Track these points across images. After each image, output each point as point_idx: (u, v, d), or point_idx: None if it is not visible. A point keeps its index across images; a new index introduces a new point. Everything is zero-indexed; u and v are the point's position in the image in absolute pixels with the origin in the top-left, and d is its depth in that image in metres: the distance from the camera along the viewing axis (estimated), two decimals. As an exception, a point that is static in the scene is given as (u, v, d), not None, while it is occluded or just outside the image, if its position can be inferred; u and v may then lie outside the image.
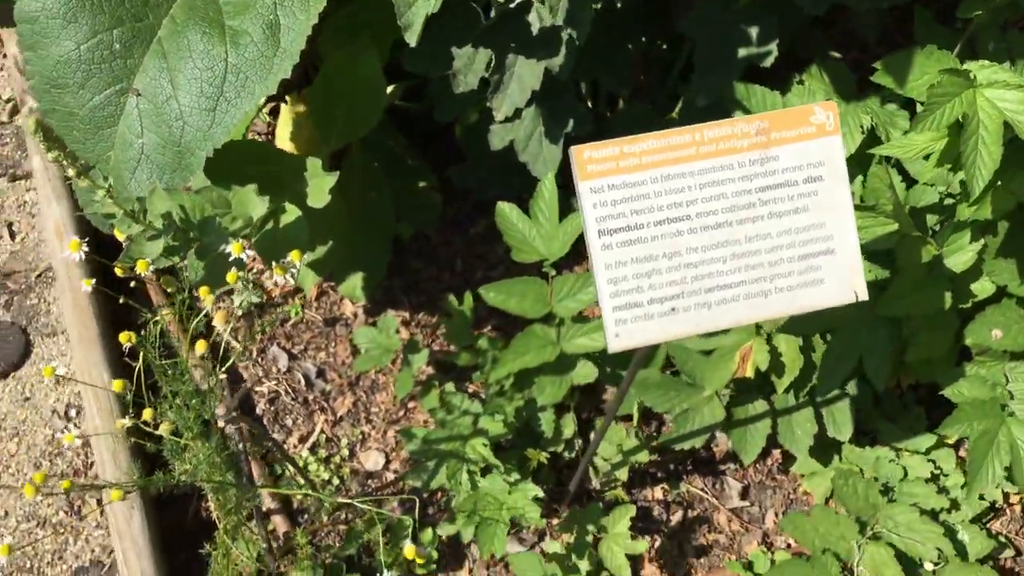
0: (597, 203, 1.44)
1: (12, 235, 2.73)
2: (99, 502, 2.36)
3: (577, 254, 2.36)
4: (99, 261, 2.32)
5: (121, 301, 1.62)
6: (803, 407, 2.15)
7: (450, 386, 2.23)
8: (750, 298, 1.50)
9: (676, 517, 2.27)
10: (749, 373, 2.00)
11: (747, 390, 2.16)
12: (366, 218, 2.38)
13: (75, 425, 2.45)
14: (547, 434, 2.12)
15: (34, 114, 1.80)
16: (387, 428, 2.34)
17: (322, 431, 2.31)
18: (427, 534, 2.12)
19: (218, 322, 1.49)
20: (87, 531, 2.33)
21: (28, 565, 2.28)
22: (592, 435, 2.20)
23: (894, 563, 1.91)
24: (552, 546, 2.06)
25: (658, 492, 2.28)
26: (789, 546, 2.23)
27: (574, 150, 1.42)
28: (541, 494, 1.96)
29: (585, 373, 2.05)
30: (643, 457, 2.13)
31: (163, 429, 1.59)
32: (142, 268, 1.53)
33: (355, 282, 2.42)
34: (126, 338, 1.50)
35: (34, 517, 2.34)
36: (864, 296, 1.53)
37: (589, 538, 2.03)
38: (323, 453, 2.28)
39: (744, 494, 2.32)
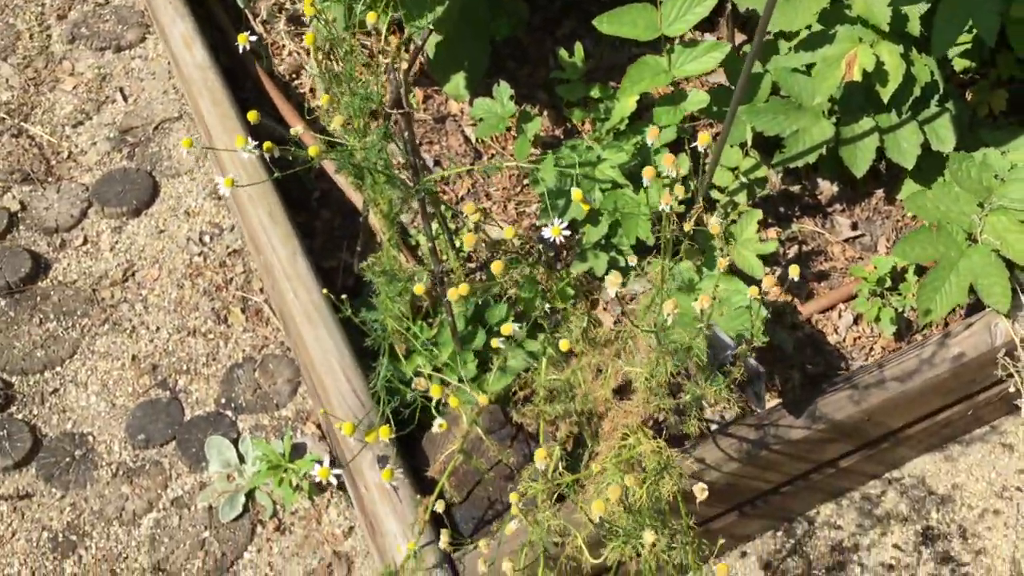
0: None
1: (125, 98, 2.89)
2: (243, 310, 2.49)
3: None
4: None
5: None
6: (907, 123, 2.24)
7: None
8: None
9: (792, 252, 2.37)
10: (857, 76, 2.09)
11: (852, 111, 2.25)
12: (463, 20, 2.50)
13: (210, 249, 2.59)
14: (664, 170, 2.22)
15: None
16: (507, 203, 2.46)
17: (445, 212, 2.43)
18: (563, 274, 2.23)
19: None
20: (235, 335, 2.47)
21: (185, 367, 2.42)
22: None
23: (1017, 227, 1.99)
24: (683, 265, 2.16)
25: (771, 233, 2.37)
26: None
27: None
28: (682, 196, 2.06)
29: (698, 100, 2.15)
30: (761, 172, 2.22)
31: (335, 122, 1.71)
32: None
33: (458, 81, 2.54)
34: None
35: (184, 328, 2.48)
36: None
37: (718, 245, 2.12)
38: (451, 226, 2.40)
39: (854, 227, 2.41)
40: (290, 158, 1.60)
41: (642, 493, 1.24)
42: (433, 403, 1.61)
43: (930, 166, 2.31)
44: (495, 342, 1.52)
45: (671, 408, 1.53)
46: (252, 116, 1.61)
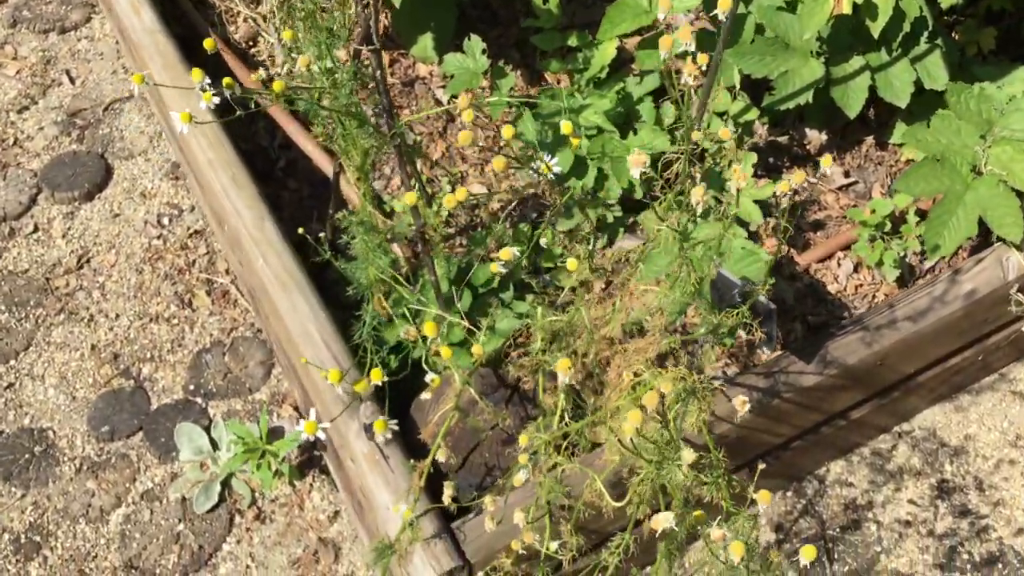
0: None
1: (72, 80, 2.73)
2: (208, 293, 2.35)
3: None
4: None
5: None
6: (898, 60, 2.14)
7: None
8: None
9: (784, 202, 2.27)
10: (846, 9, 1.98)
11: (840, 50, 2.15)
12: (429, -19, 2.39)
13: (170, 231, 2.44)
14: (648, 120, 2.11)
15: None
16: (483, 165, 2.33)
17: (420, 172, 2.30)
18: (547, 234, 2.11)
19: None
20: (201, 319, 2.32)
21: (149, 355, 2.27)
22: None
23: (1023, 157, 1.90)
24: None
25: (761, 183, 2.27)
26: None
27: None
28: (669, 142, 1.95)
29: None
30: (752, 115, 2.12)
31: (301, 62, 1.58)
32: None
33: (426, 43, 2.41)
34: None
35: (145, 315, 2.33)
36: None
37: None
38: (428, 190, 2.27)
39: (846, 175, 2.31)
40: (253, 104, 1.46)
41: (673, 414, 1.12)
42: (424, 359, 1.48)
43: (921, 108, 2.22)
44: (494, 267, 1.40)
45: (679, 347, 1.41)
46: (196, 74, 1.44)
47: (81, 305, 2.34)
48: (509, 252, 1.34)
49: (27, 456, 2.12)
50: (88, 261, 2.41)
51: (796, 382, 1.75)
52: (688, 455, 1.10)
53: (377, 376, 1.34)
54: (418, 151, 2.04)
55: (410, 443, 1.73)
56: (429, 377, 1.44)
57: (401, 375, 1.73)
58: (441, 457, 1.42)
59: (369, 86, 1.70)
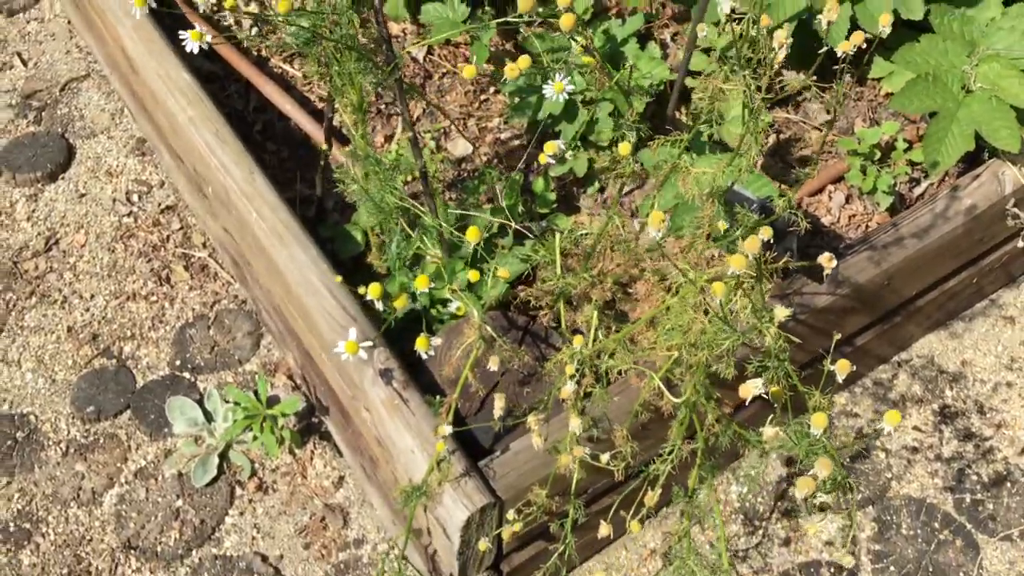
0: None
1: (24, 62, 2.63)
2: (186, 267, 2.27)
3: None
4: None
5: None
6: (876, -10, 2.16)
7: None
8: None
9: (770, 141, 2.27)
10: (825, -63, 2.00)
11: (820, -14, 2.16)
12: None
13: (140, 208, 2.36)
14: (634, 61, 2.09)
15: None
16: (467, 119, 2.29)
17: (402, 130, 2.25)
18: (538, 183, 2.08)
19: None
20: (181, 295, 2.24)
21: (130, 334, 2.18)
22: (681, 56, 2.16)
23: (1009, 72, 1.92)
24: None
25: (749, 124, 2.26)
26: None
27: None
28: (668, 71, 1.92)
29: (663, -22, 2.03)
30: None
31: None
32: None
33: (396, 0, 2.37)
34: None
35: (122, 293, 2.24)
36: None
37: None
38: (404, 141, 2.22)
39: (828, 112, 2.32)
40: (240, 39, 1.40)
41: (740, 298, 1.09)
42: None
43: (896, 41, 2.23)
44: (543, 158, 1.34)
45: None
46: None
47: (53, 287, 2.24)
48: (554, 144, 1.30)
49: (9, 443, 2.01)
50: (57, 243, 2.31)
51: (810, 303, 1.74)
52: (781, 311, 1.07)
53: (403, 303, 1.29)
54: (415, 88, 1.99)
55: (425, 387, 1.67)
56: (454, 306, 1.39)
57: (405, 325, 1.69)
58: (473, 382, 1.37)
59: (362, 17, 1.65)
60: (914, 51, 2.00)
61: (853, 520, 1.98)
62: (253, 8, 2.17)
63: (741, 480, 2.00)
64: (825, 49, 1.39)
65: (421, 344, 1.30)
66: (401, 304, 1.28)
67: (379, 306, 1.29)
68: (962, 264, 2.02)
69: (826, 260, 1.19)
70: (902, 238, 1.82)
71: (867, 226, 2.13)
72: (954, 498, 2.02)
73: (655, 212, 1.03)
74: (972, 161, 2.06)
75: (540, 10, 2.31)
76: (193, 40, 1.22)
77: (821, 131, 2.29)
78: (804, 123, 2.30)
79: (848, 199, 2.16)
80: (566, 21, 1.34)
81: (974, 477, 2.05)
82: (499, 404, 1.36)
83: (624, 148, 1.26)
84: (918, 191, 2.17)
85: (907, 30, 2.22)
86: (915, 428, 2.11)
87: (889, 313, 1.98)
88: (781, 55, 1.19)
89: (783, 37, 1.21)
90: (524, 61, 1.27)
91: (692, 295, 1.13)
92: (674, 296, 1.19)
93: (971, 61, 1.98)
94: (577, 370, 1.26)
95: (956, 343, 2.21)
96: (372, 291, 1.25)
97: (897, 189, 2.14)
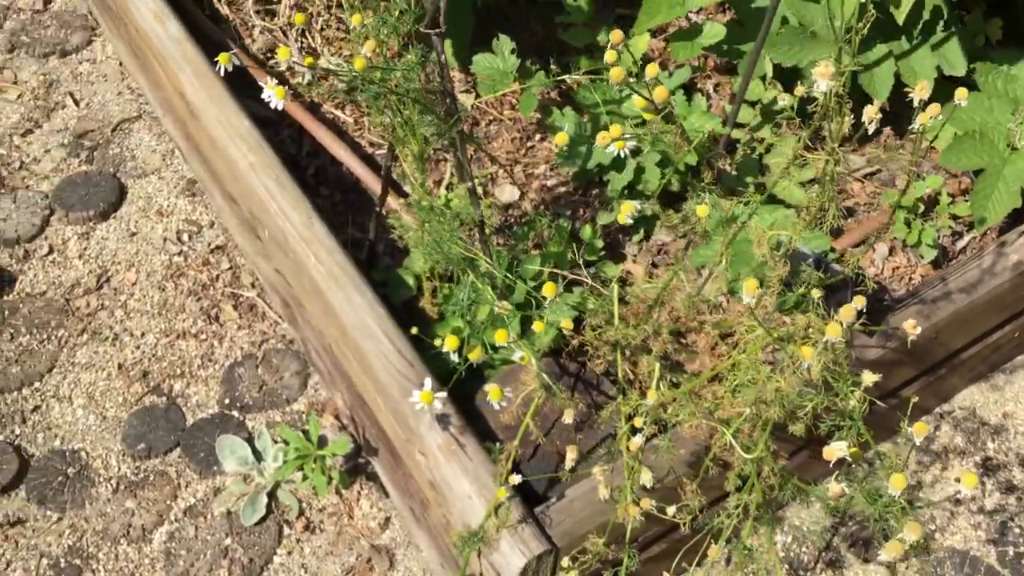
0: None
1: (76, 103, 2.68)
2: (235, 307, 2.30)
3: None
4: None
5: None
6: (919, 47, 2.19)
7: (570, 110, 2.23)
8: None
9: (812, 191, 2.30)
10: (873, -7, 2.04)
11: (865, 41, 2.19)
12: (444, -12, 2.39)
13: (190, 248, 2.40)
14: (682, 115, 2.13)
15: None
16: (513, 166, 2.33)
17: (451, 174, 2.29)
18: (586, 231, 2.11)
19: None
20: (229, 334, 2.27)
21: (179, 371, 2.21)
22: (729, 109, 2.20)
23: (1055, 129, 1.95)
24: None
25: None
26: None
27: None
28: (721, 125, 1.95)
29: (714, 33, 2.06)
30: (790, 101, 2.14)
31: (368, 46, 1.57)
32: None
33: (445, 49, 2.42)
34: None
35: (172, 331, 2.27)
36: None
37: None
38: (460, 190, 2.26)
39: (868, 163, 2.35)
40: (310, 94, 1.44)
41: (815, 357, 1.11)
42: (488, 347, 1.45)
43: (938, 96, 2.26)
44: (621, 217, 1.37)
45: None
46: (283, 53, 1.41)
47: (104, 324, 2.27)
48: (631, 205, 1.33)
49: (60, 479, 2.04)
50: (108, 280, 2.35)
51: (862, 355, 1.76)
52: (869, 376, 1.09)
53: (476, 355, 1.32)
54: (473, 139, 2.03)
55: (480, 433, 1.69)
56: (517, 355, 1.42)
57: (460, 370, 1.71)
58: (532, 429, 1.39)
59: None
60: (960, 108, 2.03)
61: (895, 573, 1.98)
62: (323, 62, 2.22)
63: (786, 529, 2.01)
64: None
65: (495, 395, 1.33)
66: (476, 356, 1.31)
67: (454, 357, 1.31)
68: (1007, 318, 2.03)
69: (910, 327, 1.21)
70: (951, 292, 1.84)
71: (911, 278, 2.15)
72: (997, 551, 2.02)
73: (750, 280, 1.06)
74: (1018, 215, 2.08)
75: (584, 60, 2.37)
76: (278, 98, 1.26)
77: (863, 182, 2.32)
78: (846, 174, 2.32)
79: (891, 251, 2.18)
80: (615, 75, 1.38)
81: (1017, 530, 2.05)
82: (571, 456, 1.38)
83: (702, 210, 1.29)
84: (961, 244, 2.19)
85: (951, 84, 2.25)
86: (957, 480, 2.11)
87: (935, 365, 1.99)
88: (872, 128, 1.22)
89: (873, 113, 1.24)
90: (616, 130, 1.29)
91: (760, 350, 1.16)
92: (741, 352, 1.21)
93: (1015, 119, 2.01)
94: (644, 423, 1.28)
95: (998, 395, 2.22)
96: (449, 343, 1.27)
97: (940, 242, 2.17)
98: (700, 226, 1.32)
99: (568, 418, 1.39)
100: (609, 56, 1.28)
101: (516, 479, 1.39)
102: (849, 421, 1.19)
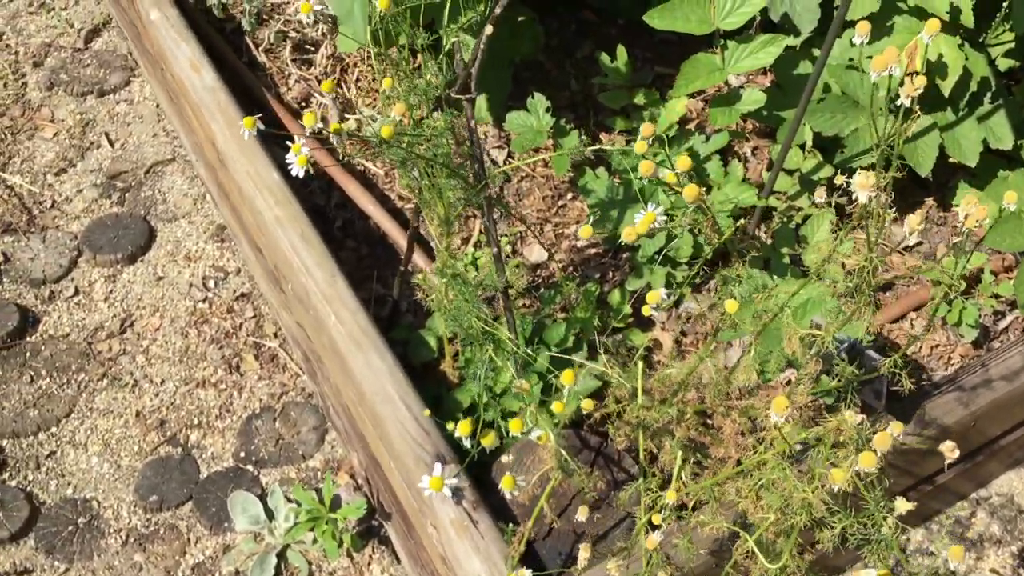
0: None
1: (111, 143, 2.69)
2: (257, 357, 2.27)
3: None
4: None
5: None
6: (964, 119, 2.13)
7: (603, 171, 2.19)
8: None
9: (850, 262, 2.24)
10: (918, 66, 1.99)
11: (907, 109, 2.13)
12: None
13: (215, 295, 2.38)
14: (716, 183, 2.08)
15: None
16: (543, 224, 2.29)
17: (480, 231, 2.25)
18: (614, 296, 2.06)
19: None
20: (249, 384, 2.24)
21: (196, 421, 2.18)
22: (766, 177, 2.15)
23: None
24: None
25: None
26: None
27: None
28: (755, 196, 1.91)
29: (754, 99, 2.02)
30: (826, 172, 2.09)
31: (397, 110, 1.54)
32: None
33: (480, 104, 2.39)
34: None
35: (192, 380, 2.25)
36: None
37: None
38: (487, 250, 2.22)
39: (909, 235, 2.28)
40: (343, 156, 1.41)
41: (847, 470, 1.05)
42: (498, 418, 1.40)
43: (983, 169, 2.20)
44: (646, 309, 1.32)
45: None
46: (308, 119, 1.38)
47: (125, 370, 2.25)
48: (657, 295, 1.28)
49: (71, 528, 2.01)
50: (131, 325, 2.33)
51: (895, 443, 1.69)
52: (903, 504, 1.04)
53: (490, 441, 1.27)
54: (501, 203, 2.00)
55: (495, 507, 1.64)
56: (535, 434, 1.37)
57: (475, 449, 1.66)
58: (547, 511, 1.34)
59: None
60: (1006, 184, 1.96)
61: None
62: (355, 118, 2.20)
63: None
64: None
65: (507, 485, 1.27)
66: (489, 442, 1.26)
67: (467, 443, 1.27)
68: (1049, 405, 1.95)
69: (948, 450, 1.16)
70: (991, 380, 1.77)
71: (949, 358, 2.07)
72: (1034, 649, 1.93)
73: (779, 399, 1.01)
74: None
75: (621, 120, 2.33)
76: (300, 165, 1.23)
77: (903, 255, 2.26)
78: (884, 244, 2.26)
79: (930, 328, 2.11)
80: (639, 148, 1.34)
81: (1055, 627, 1.96)
82: (583, 555, 1.32)
83: (731, 306, 1.23)
84: (1003, 324, 2.12)
85: (997, 158, 2.19)
86: (992, 571, 2.03)
87: (973, 452, 1.92)
88: (913, 241, 1.18)
89: (916, 224, 1.19)
90: (648, 220, 1.25)
91: (787, 448, 1.10)
92: (767, 448, 1.15)
93: (1061, 197, 1.94)
94: (664, 520, 1.23)
95: (1038, 483, 2.14)
96: (461, 428, 1.23)
97: (981, 321, 2.09)
98: (728, 319, 1.26)
99: (582, 516, 1.34)
100: (639, 147, 1.24)
101: (527, 574, 1.33)
102: (878, 535, 1.12)
